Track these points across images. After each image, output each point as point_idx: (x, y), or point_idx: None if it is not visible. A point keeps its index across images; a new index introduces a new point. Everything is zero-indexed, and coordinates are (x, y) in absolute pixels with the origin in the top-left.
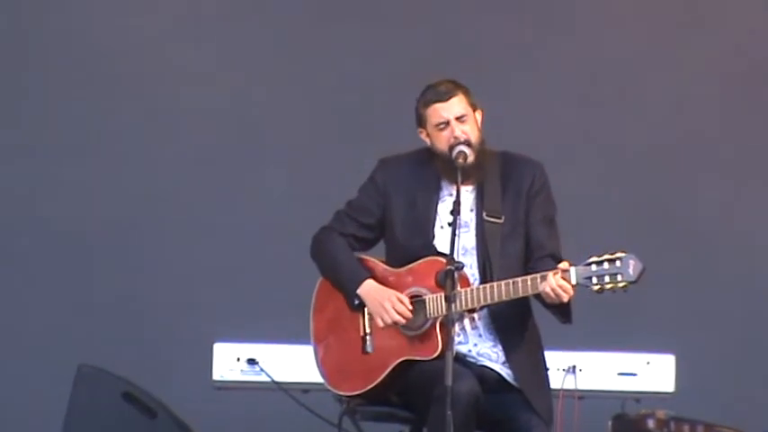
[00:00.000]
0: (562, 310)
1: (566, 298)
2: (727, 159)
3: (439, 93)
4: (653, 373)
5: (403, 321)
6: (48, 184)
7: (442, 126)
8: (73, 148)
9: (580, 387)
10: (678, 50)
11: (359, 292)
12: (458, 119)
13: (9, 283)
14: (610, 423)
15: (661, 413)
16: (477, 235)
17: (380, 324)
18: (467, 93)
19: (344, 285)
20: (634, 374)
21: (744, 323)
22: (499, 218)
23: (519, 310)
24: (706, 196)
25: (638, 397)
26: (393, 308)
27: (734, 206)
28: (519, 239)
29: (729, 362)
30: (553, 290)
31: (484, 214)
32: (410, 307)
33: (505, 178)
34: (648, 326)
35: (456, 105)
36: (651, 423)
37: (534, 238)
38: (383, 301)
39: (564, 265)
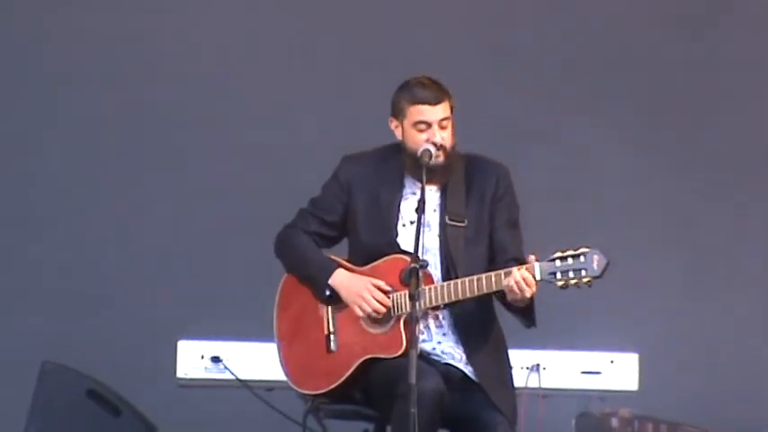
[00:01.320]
0: (525, 313)
1: (528, 293)
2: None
3: (428, 96)
4: (617, 371)
5: (383, 310)
6: (12, 175)
7: (422, 127)
8: (36, 137)
9: (544, 386)
10: None
11: (330, 282)
12: (440, 124)
13: None
14: (574, 421)
15: (625, 412)
16: (440, 237)
17: (359, 314)
18: (450, 97)
19: (315, 278)
20: (598, 373)
21: (706, 322)
22: (462, 222)
23: (482, 310)
24: (671, 193)
25: (603, 395)
26: (372, 296)
27: (698, 203)
28: (482, 243)
29: (693, 361)
30: (517, 283)
31: (447, 218)
32: (387, 289)
33: (470, 181)
34: (612, 325)
35: (441, 110)
36: (615, 422)
37: (497, 242)
38: (360, 290)
39: (530, 258)
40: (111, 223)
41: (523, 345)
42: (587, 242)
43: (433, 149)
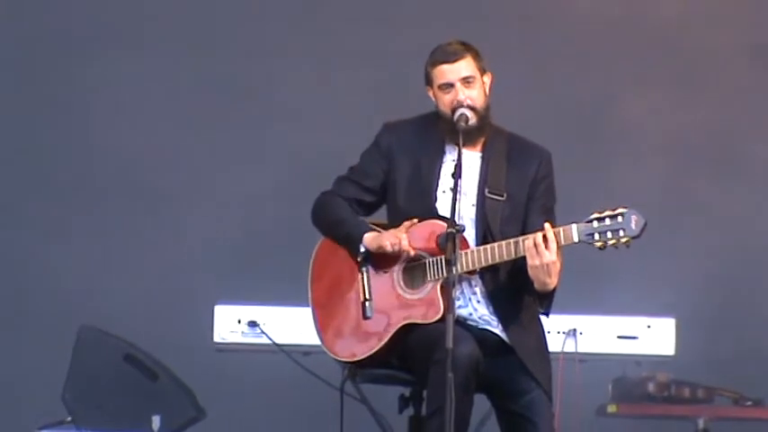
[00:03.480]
0: (542, 296)
1: (546, 257)
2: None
3: (446, 53)
4: (653, 336)
5: (406, 246)
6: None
7: (446, 88)
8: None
9: (581, 350)
10: None
11: (364, 240)
12: (464, 81)
13: (12, 245)
14: (610, 386)
15: (662, 376)
16: (477, 208)
17: (388, 249)
18: (476, 55)
19: (350, 237)
20: (635, 338)
21: (743, 286)
22: (501, 195)
23: (516, 278)
24: (707, 165)
25: (639, 360)
26: (398, 236)
27: (734, 171)
28: (518, 223)
29: (729, 325)
30: (536, 246)
31: (486, 190)
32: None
33: (512, 159)
34: (649, 289)
35: (463, 67)
36: (652, 386)
37: (531, 226)
38: (389, 235)
39: (546, 225)
40: (149, 190)
41: (560, 310)
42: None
43: (468, 113)
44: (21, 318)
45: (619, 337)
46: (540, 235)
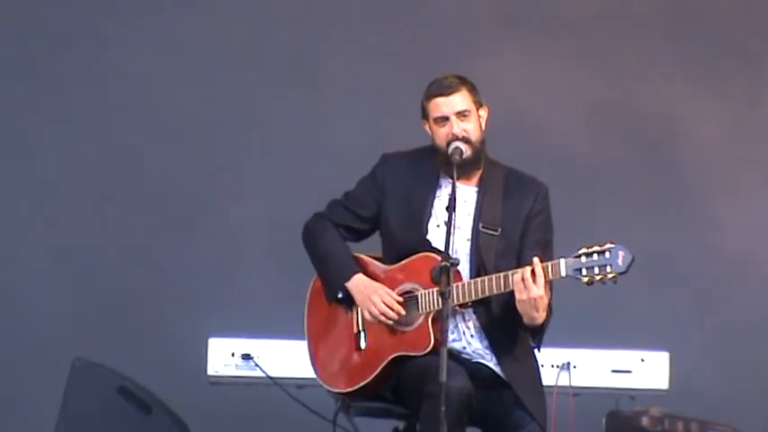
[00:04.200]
0: (533, 331)
1: (524, 294)
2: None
3: (441, 87)
4: (647, 370)
5: (392, 314)
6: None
7: (441, 121)
8: (66, 145)
9: (574, 384)
10: None
11: (347, 284)
12: (459, 114)
13: (5, 277)
14: (604, 420)
15: (655, 410)
16: (472, 244)
17: (368, 318)
18: (472, 88)
19: (332, 276)
20: (629, 371)
21: (738, 321)
22: (495, 230)
23: (510, 312)
24: (703, 193)
25: (633, 394)
26: (381, 300)
27: (732, 204)
28: (512, 258)
29: (723, 359)
30: (524, 280)
31: (480, 225)
32: (399, 299)
33: (508, 194)
34: (643, 323)
35: (458, 101)
36: (645, 420)
37: (524, 261)
38: (371, 294)
39: (535, 259)
40: (140, 220)
41: (554, 343)
42: (612, 239)
43: (463, 146)
44: (14, 349)
45: (612, 371)
46: (528, 269)
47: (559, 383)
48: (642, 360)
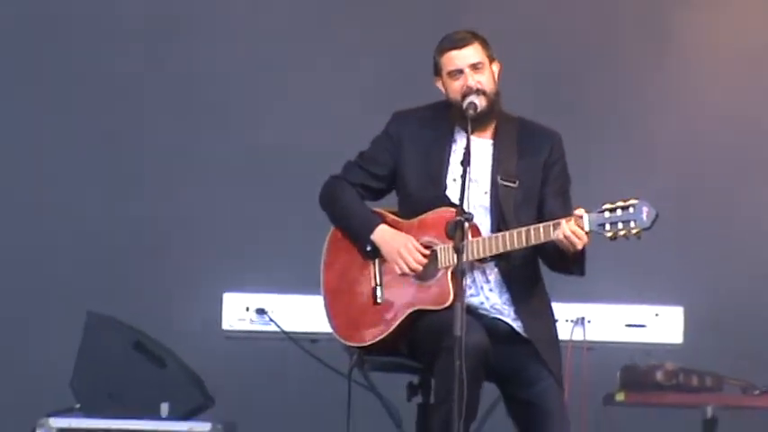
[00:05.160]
0: (575, 261)
1: (579, 245)
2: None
3: (454, 40)
4: (662, 324)
5: (420, 269)
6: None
7: (455, 74)
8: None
9: (589, 338)
10: None
11: (373, 237)
12: (472, 67)
13: (22, 231)
14: (619, 374)
15: (670, 365)
16: (491, 196)
17: (398, 272)
18: (484, 43)
19: (357, 232)
20: (643, 326)
21: (752, 275)
22: (513, 182)
23: (528, 267)
24: (718, 151)
25: (648, 349)
26: (410, 255)
27: (746, 160)
28: (532, 207)
29: (737, 314)
30: (567, 237)
31: (498, 177)
32: (426, 252)
33: (522, 144)
34: (657, 278)
35: (471, 54)
36: (660, 375)
37: (547, 209)
38: (399, 247)
39: (579, 211)
40: (157, 177)
41: (568, 298)
42: (636, 194)
43: (477, 100)
44: (28, 303)
45: (627, 325)
46: (566, 227)
47: (574, 338)
48: (656, 315)
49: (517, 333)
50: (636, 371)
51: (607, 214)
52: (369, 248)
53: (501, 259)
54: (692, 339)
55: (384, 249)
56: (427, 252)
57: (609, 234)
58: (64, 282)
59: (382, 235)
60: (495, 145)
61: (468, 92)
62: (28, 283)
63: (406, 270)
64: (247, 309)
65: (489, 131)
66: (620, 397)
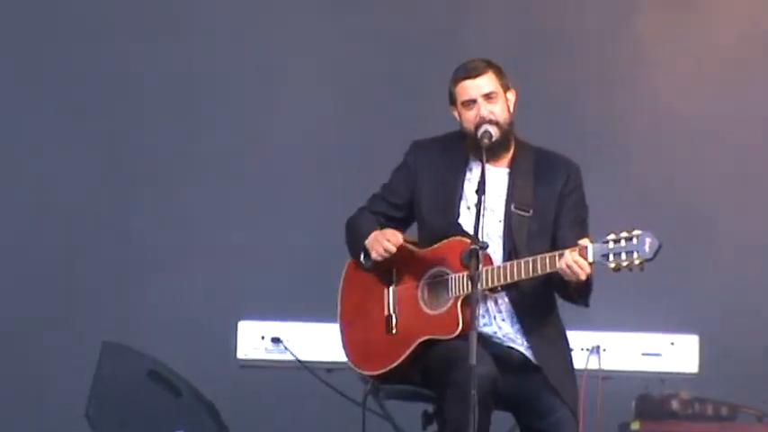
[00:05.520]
0: (580, 292)
1: (582, 275)
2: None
3: (468, 69)
4: (677, 353)
5: (393, 249)
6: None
7: (469, 104)
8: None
9: (604, 367)
10: None
11: (366, 242)
12: (485, 97)
13: (39, 258)
14: (634, 403)
15: (685, 394)
16: (504, 225)
17: (375, 257)
18: (498, 72)
19: (355, 244)
20: (658, 355)
21: (766, 303)
22: (527, 211)
23: (541, 295)
24: (726, 178)
25: (663, 377)
26: (383, 237)
27: (755, 186)
28: (546, 240)
29: (753, 343)
30: (569, 267)
31: (512, 206)
32: (400, 235)
33: (539, 173)
34: (673, 306)
35: (485, 83)
36: (675, 404)
37: (561, 239)
38: (377, 236)
39: (584, 241)
40: (172, 205)
41: (584, 326)
42: (641, 225)
43: (491, 129)
44: (45, 332)
45: (642, 354)
46: (569, 257)
47: (589, 367)
48: (672, 343)
49: (531, 362)
50: (651, 400)
51: (611, 245)
52: (363, 255)
53: (511, 289)
54: (707, 368)
55: (369, 247)
56: (401, 234)
57: (612, 265)
58: (79, 311)
59: (370, 238)
60: (510, 174)
61: (480, 122)
62: (45, 309)
63: (383, 252)
64: (263, 337)
65: (505, 160)
66: (635, 426)
